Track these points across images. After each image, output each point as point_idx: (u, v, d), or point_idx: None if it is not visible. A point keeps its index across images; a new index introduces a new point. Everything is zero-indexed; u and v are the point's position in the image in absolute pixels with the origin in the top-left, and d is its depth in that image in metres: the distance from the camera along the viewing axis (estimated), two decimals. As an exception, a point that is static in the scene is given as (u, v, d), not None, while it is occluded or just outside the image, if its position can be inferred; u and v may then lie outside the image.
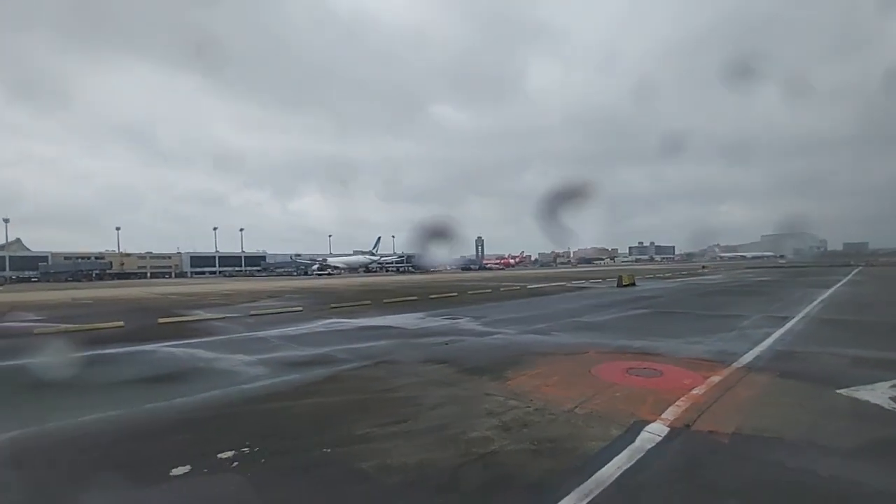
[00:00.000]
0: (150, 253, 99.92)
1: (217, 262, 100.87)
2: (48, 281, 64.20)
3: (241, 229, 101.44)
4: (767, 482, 2.75)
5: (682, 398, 4.15)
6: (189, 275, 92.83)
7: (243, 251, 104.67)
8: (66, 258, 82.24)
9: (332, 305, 15.38)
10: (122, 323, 11.68)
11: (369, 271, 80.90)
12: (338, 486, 2.86)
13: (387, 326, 10.25)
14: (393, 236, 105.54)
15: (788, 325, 8.53)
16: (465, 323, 10.48)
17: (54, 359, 7.48)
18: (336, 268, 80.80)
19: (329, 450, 3.37)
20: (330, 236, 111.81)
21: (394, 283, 34.00)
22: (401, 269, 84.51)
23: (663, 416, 3.72)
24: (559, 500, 2.53)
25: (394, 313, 12.82)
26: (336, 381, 5.48)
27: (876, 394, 4.17)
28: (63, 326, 11.07)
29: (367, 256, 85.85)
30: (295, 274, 78.35)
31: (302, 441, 3.57)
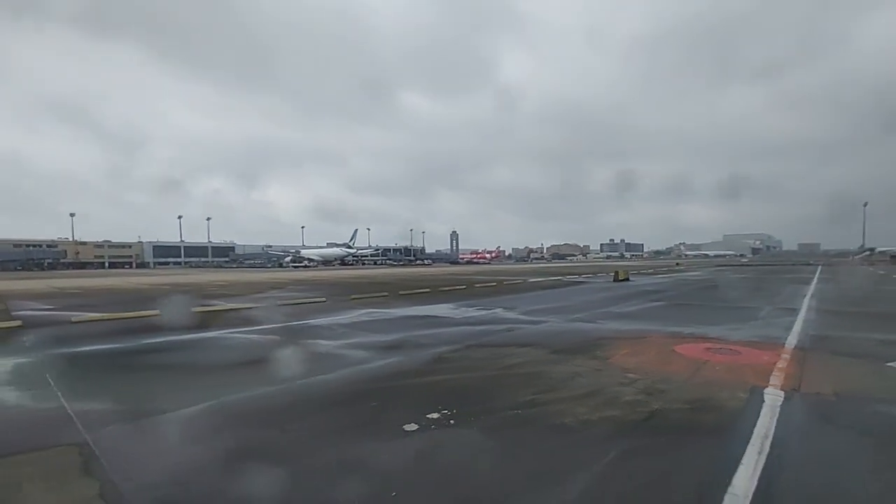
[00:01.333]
0: (109, 241, 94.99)
1: (182, 252, 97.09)
2: (-5, 270, 60.22)
3: (209, 219, 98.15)
4: (882, 425, 3.62)
5: (774, 370, 5.04)
6: (152, 265, 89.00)
7: (210, 241, 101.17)
8: (15, 245, 77.15)
9: (353, 296, 15.76)
10: (158, 312, 11.71)
11: (345, 264, 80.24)
12: (553, 436, 3.50)
13: (432, 316, 10.83)
14: (368, 229, 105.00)
15: (801, 315, 9.73)
16: (502, 313, 11.19)
17: (144, 343, 7.68)
18: (311, 260, 79.64)
19: (519, 411, 4.02)
20: (303, 227, 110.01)
21: (387, 276, 34.29)
22: (378, 263, 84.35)
23: (771, 383, 4.58)
24: (748, 438, 3.29)
25: (422, 304, 13.36)
26: (447, 361, 6.07)
27: None
28: (96, 315, 11.00)
29: (344, 249, 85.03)
30: (269, 266, 76.72)
31: (483, 406, 4.18)
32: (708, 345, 6.49)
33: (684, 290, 17.99)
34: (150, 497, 2.70)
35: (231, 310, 12.52)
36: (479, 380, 5.11)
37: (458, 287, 19.71)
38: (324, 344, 7.46)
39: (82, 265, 77.24)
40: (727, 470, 2.87)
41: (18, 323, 9.79)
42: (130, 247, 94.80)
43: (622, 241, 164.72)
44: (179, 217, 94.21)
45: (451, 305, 12.94)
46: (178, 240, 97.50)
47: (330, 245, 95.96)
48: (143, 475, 2.98)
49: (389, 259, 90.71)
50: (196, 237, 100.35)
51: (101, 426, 3.77)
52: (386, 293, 16.95)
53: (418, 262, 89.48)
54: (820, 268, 38.47)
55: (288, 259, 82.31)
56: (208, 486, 2.86)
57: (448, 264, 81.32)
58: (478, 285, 20.67)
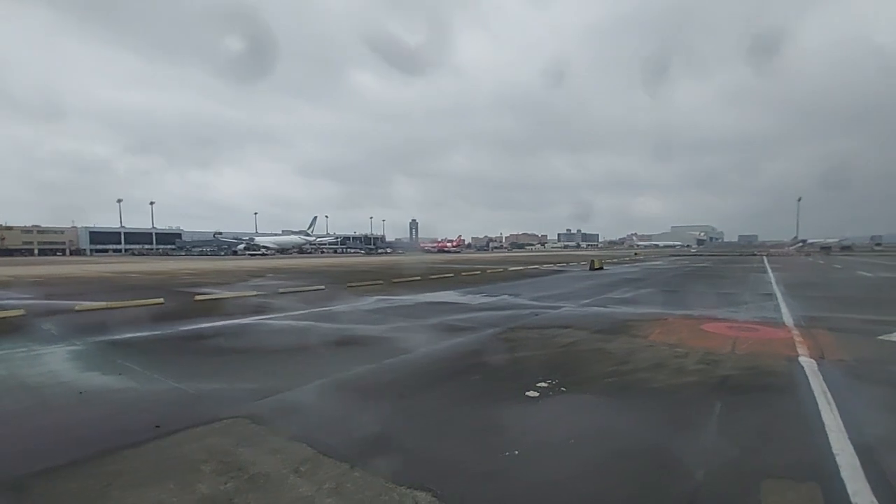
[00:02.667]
0: (38, 227, 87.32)
1: (122, 238, 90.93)
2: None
3: (152, 203, 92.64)
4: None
5: (795, 344, 5.99)
6: (88, 252, 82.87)
7: (154, 227, 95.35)
8: (-73, 230, 69.41)
9: (350, 285, 15.90)
10: (161, 300, 11.42)
11: (303, 253, 78.46)
12: (659, 396, 4.16)
13: (447, 302, 11.31)
14: (327, 217, 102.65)
15: (780, 300, 11.03)
16: (512, 299, 11.86)
17: (185, 330, 7.68)
18: (267, 248, 77.21)
19: (612, 379, 4.65)
20: (256, 214, 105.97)
21: (359, 264, 34.19)
22: (338, 252, 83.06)
23: (800, 353, 5.49)
24: (812, 393, 4.10)
25: (425, 292, 13.77)
26: (506, 341, 6.61)
27: None
28: (97, 304, 10.58)
29: (302, 237, 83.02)
30: (222, 254, 73.62)
31: (578, 377, 4.78)
32: (728, 324, 7.46)
33: (660, 278, 19.49)
34: (353, 443, 3.07)
35: (237, 297, 12.40)
36: (554, 356, 5.70)
37: (446, 275, 20.23)
38: (371, 328, 7.77)
39: (9, 252, 70.70)
40: (814, 414, 3.63)
41: (21, 311, 9.32)
42: (63, 232, 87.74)
43: (578, 231, 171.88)
44: (119, 201, 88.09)
45: (455, 293, 13.46)
46: (118, 225, 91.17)
47: (285, 232, 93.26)
48: (341, 436, 3.32)
49: (350, 248, 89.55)
50: (134, 222, 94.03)
51: (242, 403, 4.02)
52: (381, 281, 17.18)
53: (380, 251, 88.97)
54: (765, 258, 42.34)
55: (241, 246, 79.38)
56: (403, 442, 3.26)
57: (398, 253, 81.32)
58: (464, 273, 21.29)
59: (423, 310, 10.01)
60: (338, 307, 10.50)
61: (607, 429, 3.51)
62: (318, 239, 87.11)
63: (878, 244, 76.65)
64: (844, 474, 2.71)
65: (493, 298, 12.01)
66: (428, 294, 13.08)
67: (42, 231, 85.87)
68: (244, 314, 9.36)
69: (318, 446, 3.14)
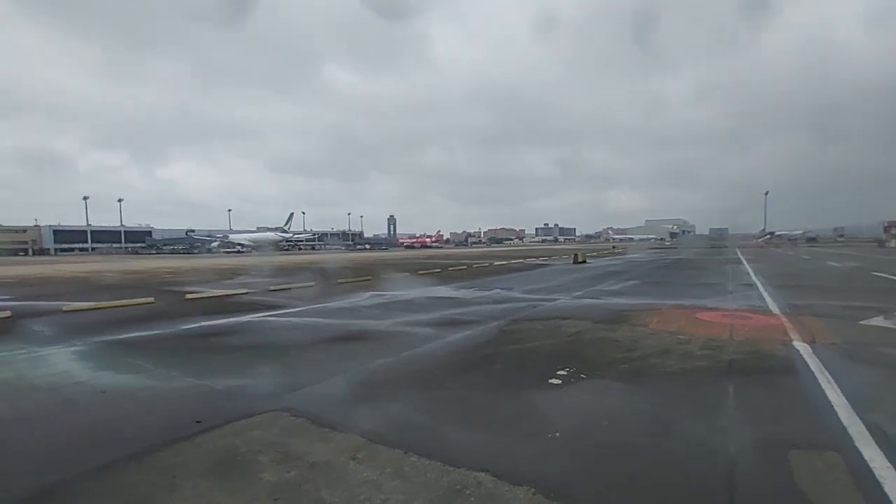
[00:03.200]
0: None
1: (89, 237, 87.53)
2: None
3: (120, 200, 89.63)
4: (889, 359, 4.96)
5: (788, 329, 6.37)
6: (53, 252, 79.41)
7: (123, 225, 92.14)
8: None
9: (339, 281, 15.84)
10: (151, 299, 11.18)
11: (280, 249, 77.13)
12: (674, 379, 4.41)
13: (443, 297, 11.44)
14: (304, 213, 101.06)
15: (761, 289, 11.57)
16: (505, 293, 12.07)
17: (187, 329, 7.58)
18: (243, 245, 75.57)
19: (625, 366, 4.88)
20: (230, 211, 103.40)
21: (342, 260, 33.93)
22: (316, 248, 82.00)
23: (793, 338, 5.86)
24: (812, 373, 4.42)
25: (418, 287, 13.88)
26: (515, 333, 6.79)
27: (880, 321, 6.91)
28: (84, 304, 10.27)
29: (278, 234, 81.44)
30: (195, 252, 71.72)
31: (592, 364, 4.99)
32: (721, 313, 7.85)
33: (642, 270, 20.08)
34: (398, 431, 3.18)
35: (229, 295, 12.24)
36: (563, 345, 5.91)
37: (433, 271, 20.34)
38: (377, 323, 7.84)
39: (-35, 252, 67.18)
40: (818, 392, 3.94)
41: (7, 313, 8.99)
42: (25, 231, 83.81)
43: (556, 225, 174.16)
44: (85, 198, 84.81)
45: (448, 288, 13.60)
46: (84, 223, 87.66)
47: (261, 229, 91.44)
48: (384, 424, 3.42)
49: (328, 244, 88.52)
50: (101, 220, 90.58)
51: (273, 398, 4.08)
52: (370, 277, 17.18)
53: (359, 247, 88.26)
54: (737, 250, 43.99)
55: (215, 244, 77.60)
56: (447, 428, 3.38)
57: (383, 249, 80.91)
58: (451, 269, 21.44)
59: (421, 305, 10.12)
60: (335, 303, 10.50)
61: (635, 411, 3.72)
62: (296, 235, 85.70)
63: (841, 235, 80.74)
64: (858, 444, 2.98)
65: (487, 292, 12.20)
66: (421, 289, 13.18)
67: (3, 230, 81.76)
68: (242, 312, 9.27)
69: (366, 435, 3.24)
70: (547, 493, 2.47)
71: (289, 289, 13.77)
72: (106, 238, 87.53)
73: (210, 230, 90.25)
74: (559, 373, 4.65)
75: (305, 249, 78.35)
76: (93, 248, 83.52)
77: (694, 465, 2.81)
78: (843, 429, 3.22)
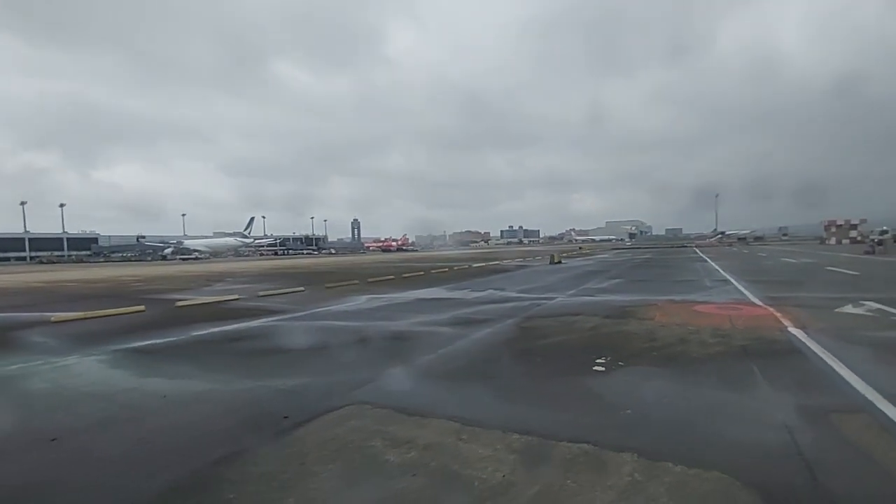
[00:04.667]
0: (-84, 233, 75.84)
1: (27, 244, 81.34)
2: None
3: (62, 205, 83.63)
4: (874, 339, 5.70)
5: (779, 318, 7.08)
6: (-15, 261, 73.13)
7: (65, 231, 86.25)
8: None
9: (328, 285, 15.76)
10: (143, 307, 10.80)
11: (240, 255, 74.61)
12: (705, 363, 4.90)
13: (442, 298, 11.71)
14: (264, 217, 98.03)
15: (737, 284, 12.51)
16: (501, 293, 12.48)
17: (197, 335, 7.48)
18: (199, 251, 72.60)
19: (655, 353, 5.36)
20: (184, 215, 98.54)
21: (315, 265, 33.38)
22: (278, 253, 79.82)
23: (787, 325, 6.56)
24: (815, 353, 5.04)
25: (411, 289, 14.00)
26: (534, 329, 7.17)
27: (851, 309, 7.81)
28: (73, 315, 9.82)
29: (238, 239, 78.78)
30: (149, 259, 68.22)
31: (624, 353, 5.43)
32: (714, 305, 8.57)
33: (620, 269, 21.09)
34: (484, 414, 3.46)
35: (220, 302, 11.98)
36: (588, 339, 6.34)
37: (417, 273, 20.54)
38: (394, 324, 8.03)
39: None
40: (829, 369, 4.53)
41: (-7, 325, 8.50)
42: (-48, 239, 76.77)
43: (520, 227, 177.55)
44: (23, 203, 78.54)
45: (440, 289, 13.85)
46: (22, 230, 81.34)
47: (218, 234, 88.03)
48: (469, 410, 3.68)
49: (290, 249, 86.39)
50: (38, 227, 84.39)
51: (345, 392, 4.24)
52: (356, 281, 17.16)
53: (323, 251, 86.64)
54: (696, 249, 46.68)
55: (169, 251, 74.10)
56: (526, 411, 3.69)
57: (350, 253, 79.98)
58: (433, 271, 21.69)
59: (425, 306, 10.34)
60: (338, 307, 10.54)
61: (684, 389, 4.17)
62: (257, 241, 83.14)
63: (785, 234, 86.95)
64: (880, 406, 3.53)
65: (482, 293, 12.56)
66: (415, 291, 13.38)
67: (-78, 239, 74.56)
68: (245, 317, 9.18)
69: (457, 420, 3.49)
70: (649, 457, 2.83)
71: (279, 294, 13.60)
72: (46, 246, 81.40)
73: (163, 236, 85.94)
74: (598, 361, 5.04)
75: (267, 255, 76.11)
76: (32, 257, 77.58)
77: (758, 427, 3.25)
78: (863, 396, 3.77)
